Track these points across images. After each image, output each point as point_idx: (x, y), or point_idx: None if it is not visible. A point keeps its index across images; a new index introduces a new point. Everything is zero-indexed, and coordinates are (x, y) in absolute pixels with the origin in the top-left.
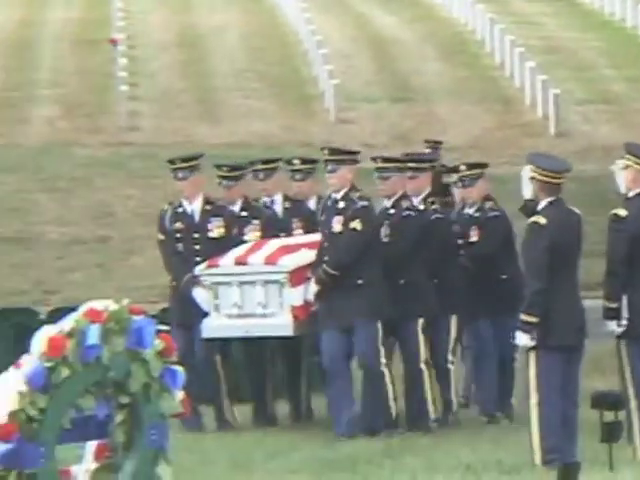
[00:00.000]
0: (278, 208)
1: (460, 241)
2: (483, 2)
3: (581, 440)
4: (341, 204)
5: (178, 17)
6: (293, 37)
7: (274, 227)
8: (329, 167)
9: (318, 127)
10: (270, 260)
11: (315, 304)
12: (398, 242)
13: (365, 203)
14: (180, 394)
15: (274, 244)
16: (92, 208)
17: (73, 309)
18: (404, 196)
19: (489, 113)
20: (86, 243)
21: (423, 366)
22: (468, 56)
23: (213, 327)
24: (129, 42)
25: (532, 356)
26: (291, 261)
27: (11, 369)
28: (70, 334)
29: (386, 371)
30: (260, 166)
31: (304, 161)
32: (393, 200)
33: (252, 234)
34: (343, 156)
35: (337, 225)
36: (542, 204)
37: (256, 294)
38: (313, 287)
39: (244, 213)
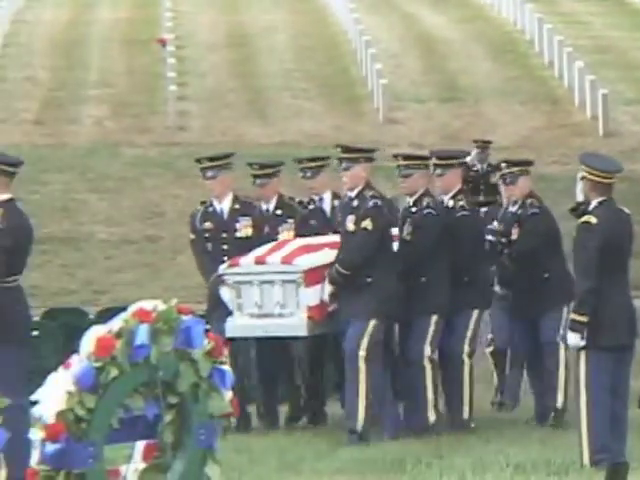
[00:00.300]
0: (327, 206)
1: (504, 239)
2: (532, 2)
3: (629, 440)
4: (355, 203)
5: (227, 17)
6: (342, 37)
7: (308, 226)
8: (343, 165)
9: (367, 127)
10: (286, 259)
11: (331, 304)
12: (419, 240)
13: (377, 202)
14: (229, 394)
15: (295, 243)
16: (141, 208)
17: (122, 309)
18: (426, 194)
19: (538, 113)
20: (135, 243)
21: (427, 363)
22: (517, 56)
23: (236, 327)
24: (178, 42)
25: (582, 356)
26: (306, 261)
27: (60, 369)
28: (119, 334)
29: (363, 366)
30: (307, 164)
31: None
32: (415, 198)
33: (286, 233)
34: (356, 154)
35: (350, 224)
36: (593, 204)
37: (275, 294)
38: (327, 287)
39: (279, 212)
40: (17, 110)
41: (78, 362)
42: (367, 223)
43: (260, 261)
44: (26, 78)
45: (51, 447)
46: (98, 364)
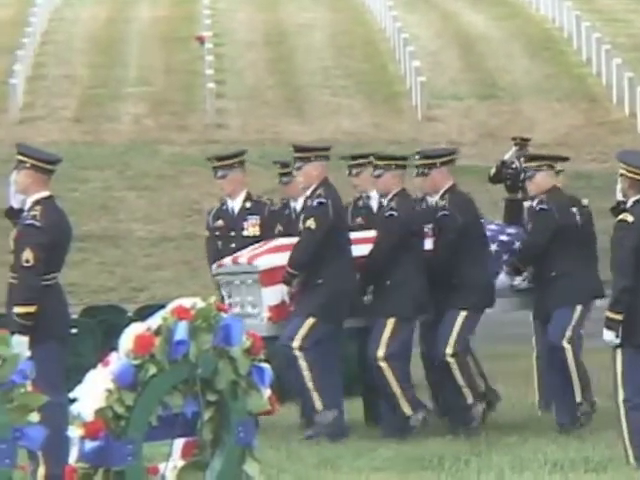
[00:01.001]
0: (374, 203)
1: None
2: None
3: None
4: (309, 202)
5: (265, 15)
6: (380, 35)
7: (355, 224)
8: (296, 165)
9: (405, 124)
10: (251, 259)
11: (291, 304)
12: (380, 241)
13: (321, 201)
14: (268, 392)
15: (271, 243)
16: (179, 205)
17: (161, 306)
18: (398, 194)
19: (576, 110)
20: (173, 240)
21: (382, 363)
22: (555, 53)
23: None
24: (216, 40)
25: (618, 353)
26: (266, 261)
27: (98, 367)
28: (158, 332)
29: (299, 354)
30: (351, 162)
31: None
32: (388, 198)
33: None
34: (307, 153)
35: (301, 224)
36: (630, 202)
37: (249, 293)
38: (283, 287)
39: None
40: (56, 108)
41: (117, 360)
42: (310, 222)
43: (235, 261)
44: (65, 76)
45: (90, 444)
46: (137, 362)
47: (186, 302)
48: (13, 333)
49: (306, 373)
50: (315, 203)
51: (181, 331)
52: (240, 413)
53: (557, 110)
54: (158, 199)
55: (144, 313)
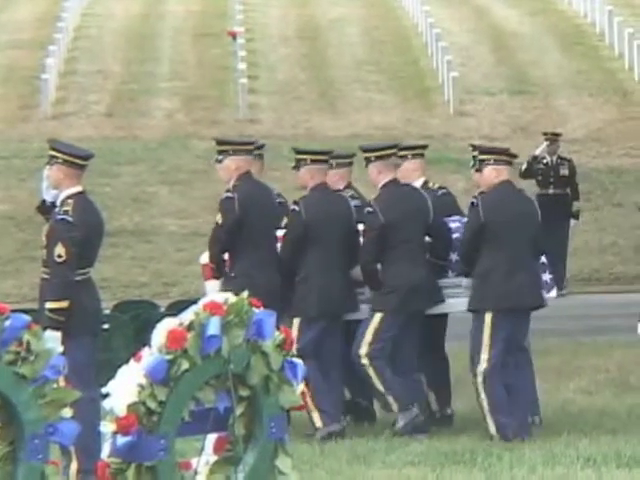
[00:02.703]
0: None
1: None
2: None
3: None
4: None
5: (297, 10)
6: (412, 30)
7: None
8: (218, 157)
9: (437, 119)
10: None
11: None
12: (285, 237)
13: (228, 195)
14: (300, 387)
15: None
16: (212, 200)
17: (193, 302)
18: (314, 188)
19: (608, 105)
20: (205, 235)
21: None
22: (587, 48)
23: None
24: (248, 35)
25: None
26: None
27: (131, 362)
28: (190, 327)
29: None
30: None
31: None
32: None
33: None
34: (226, 147)
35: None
36: None
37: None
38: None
39: None
40: (88, 103)
41: (149, 355)
42: (218, 217)
43: None
44: (97, 71)
45: (122, 440)
46: (169, 357)
47: (218, 297)
48: (45, 328)
49: None
50: (223, 197)
51: (213, 326)
52: (272, 408)
53: (589, 105)
54: (190, 194)
55: (176, 308)
